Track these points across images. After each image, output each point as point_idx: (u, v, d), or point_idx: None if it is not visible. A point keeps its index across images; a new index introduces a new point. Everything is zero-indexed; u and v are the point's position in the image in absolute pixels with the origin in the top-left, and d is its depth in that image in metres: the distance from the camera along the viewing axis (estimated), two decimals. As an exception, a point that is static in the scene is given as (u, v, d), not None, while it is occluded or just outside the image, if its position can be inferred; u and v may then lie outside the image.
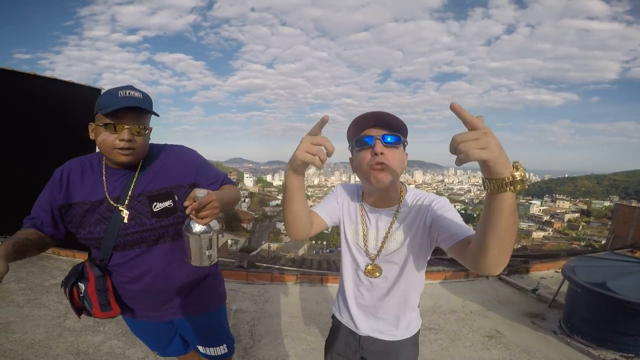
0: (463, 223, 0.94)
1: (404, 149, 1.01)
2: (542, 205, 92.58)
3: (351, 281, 1.18)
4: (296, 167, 0.83)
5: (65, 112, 5.80)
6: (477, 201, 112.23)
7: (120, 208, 1.08)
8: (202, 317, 1.29)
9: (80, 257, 3.91)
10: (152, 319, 1.23)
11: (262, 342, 2.39)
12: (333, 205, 1.18)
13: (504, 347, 2.39)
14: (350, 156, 1.06)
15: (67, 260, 3.95)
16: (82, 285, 1.07)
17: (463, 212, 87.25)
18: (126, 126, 1.00)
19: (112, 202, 1.08)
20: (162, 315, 1.22)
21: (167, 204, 1.11)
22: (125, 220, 1.07)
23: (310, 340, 2.44)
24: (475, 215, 80.00)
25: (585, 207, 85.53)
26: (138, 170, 1.12)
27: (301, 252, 29.64)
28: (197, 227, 0.94)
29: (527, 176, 0.63)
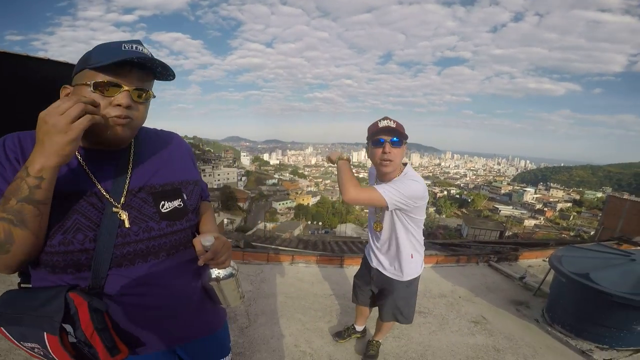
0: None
1: (405, 145, 1.53)
2: (535, 193, 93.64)
3: (370, 230, 1.85)
4: None
5: (54, 92, 5.68)
6: (472, 186, 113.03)
7: (116, 207, 0.79)
8: (215, 335, 1.04)
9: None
10: (155, 349, 0.88)
11: (258, 322, 2.47)
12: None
13: (488, 333, 2.50)
14: (366, 146, 1.60)
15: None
16: (68, 327, 0.72)
17: (458, 196, 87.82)
18: (126, 87, 0.74)
19: (108, 197, 0.79)
20: (169, 343, 0.91)
21: (176, 203, 0.89)
22: (127, 225, 0.80)
23: (304, 320, 2.54)
24: (469, 200, 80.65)
25: (577, 197, 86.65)
26: (132, 155, 0.86)
27: (297, 232, 30.01)
28: (219, 273, 0.92)
29: None
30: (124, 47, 0.73)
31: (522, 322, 2.69)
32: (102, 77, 0.72)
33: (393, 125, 1.47)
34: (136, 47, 0.74)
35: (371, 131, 1.52)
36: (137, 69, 0.75)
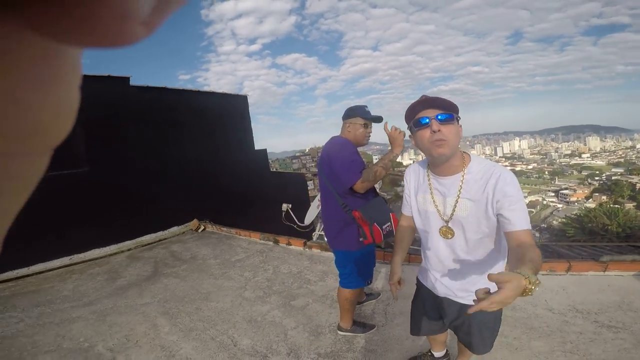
0: (520, 211, 1.04)
1: (458, 123, 1.13)
2: None
3: (428, 245, 1.33)
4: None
5: (224, 118, 7.29)
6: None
7: None
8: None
9: (255, 237, 4.79)
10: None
11: (395, 321, 2.47)
12: (406, 197, 1.46)
13: None
14: (410, 134, 1.22)
15: (245, 239, 4.85)
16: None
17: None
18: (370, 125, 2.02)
19: None
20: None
21: None
22: None
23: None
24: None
25: None
26: None
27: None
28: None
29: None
30: (365, 108, 1.98)
31: None
32: (366, 122, 1.98)
33: (434, 97, 1.11)
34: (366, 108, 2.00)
35: (409, 114, 1.16)
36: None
